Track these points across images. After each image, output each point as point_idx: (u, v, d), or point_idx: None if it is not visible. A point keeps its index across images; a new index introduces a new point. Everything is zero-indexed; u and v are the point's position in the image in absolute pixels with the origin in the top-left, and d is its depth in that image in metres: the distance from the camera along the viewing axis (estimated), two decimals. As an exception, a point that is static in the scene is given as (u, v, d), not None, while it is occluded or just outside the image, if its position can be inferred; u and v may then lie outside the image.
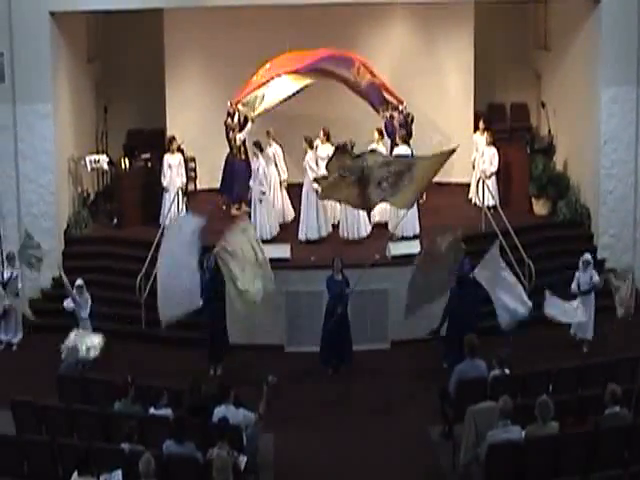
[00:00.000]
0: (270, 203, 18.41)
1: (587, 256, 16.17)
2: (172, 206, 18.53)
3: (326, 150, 18.04)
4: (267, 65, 19.02)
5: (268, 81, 18.75)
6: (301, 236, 18.20)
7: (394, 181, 14.97)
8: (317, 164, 18.06)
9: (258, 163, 18.19)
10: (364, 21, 20.70)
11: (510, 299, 14.57)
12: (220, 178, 19.67)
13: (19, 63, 17.86)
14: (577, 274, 16.03)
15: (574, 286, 15.96)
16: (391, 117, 19.21)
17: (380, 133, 18.85)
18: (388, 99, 19.37)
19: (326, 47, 18.93)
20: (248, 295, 14.62)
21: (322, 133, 18.49)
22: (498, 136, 21.00)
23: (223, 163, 19.56)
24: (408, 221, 17.83)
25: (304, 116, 19.85)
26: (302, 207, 18.29)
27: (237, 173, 19.35)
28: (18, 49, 17.82)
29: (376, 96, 19.23)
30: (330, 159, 15.42)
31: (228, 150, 19.48)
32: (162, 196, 19.04)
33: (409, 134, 19.12)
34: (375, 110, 19.33)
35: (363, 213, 17.55)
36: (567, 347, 15.84)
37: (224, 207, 19.55)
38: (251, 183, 18.32)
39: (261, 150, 18.25)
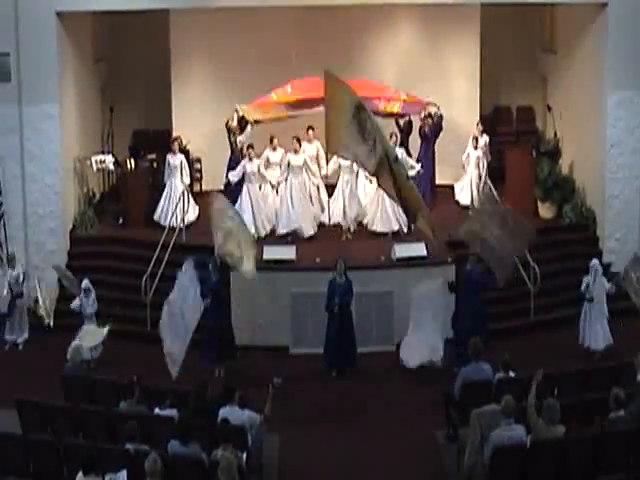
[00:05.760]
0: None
1: (595, 262, 15.97)
2: (176, 208, 18.61)
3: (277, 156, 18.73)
4: (288, 88, 19.02)
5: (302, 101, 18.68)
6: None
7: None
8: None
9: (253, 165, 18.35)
10: (370, 24, 20.73)
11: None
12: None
13: (26, 63, 17.89)
14: (585, 278, 15.86)
15: (583, 288, 15.83)
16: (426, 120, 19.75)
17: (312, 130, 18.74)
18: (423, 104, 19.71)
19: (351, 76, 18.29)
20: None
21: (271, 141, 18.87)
22: (504, 139, 21.07)
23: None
24: (385, 215, 18.23)
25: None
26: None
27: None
28: (25, 49, 17.84)
29: (413, 108, 19.58)
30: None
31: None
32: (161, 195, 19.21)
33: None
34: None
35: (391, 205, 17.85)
36: (573, 352, 15.81)
37: None
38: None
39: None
